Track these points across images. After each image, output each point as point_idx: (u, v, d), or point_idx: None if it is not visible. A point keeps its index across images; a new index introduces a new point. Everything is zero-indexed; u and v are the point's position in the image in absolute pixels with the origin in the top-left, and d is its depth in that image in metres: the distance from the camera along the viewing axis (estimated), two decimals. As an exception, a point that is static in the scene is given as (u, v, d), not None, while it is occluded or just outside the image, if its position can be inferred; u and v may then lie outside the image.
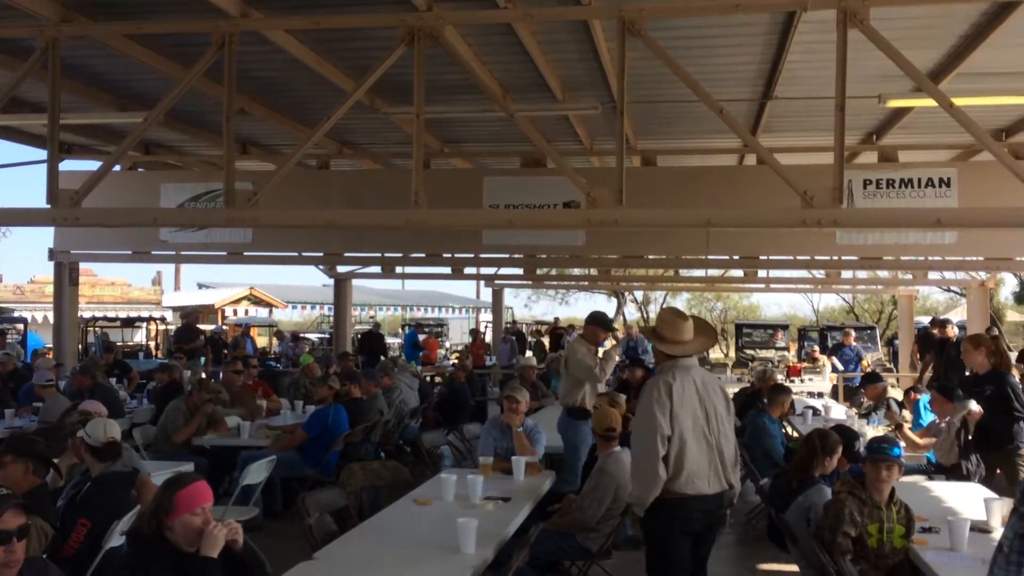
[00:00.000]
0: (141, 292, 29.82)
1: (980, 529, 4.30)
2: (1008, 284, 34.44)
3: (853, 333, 17.38)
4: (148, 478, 4.49)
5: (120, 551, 3.89)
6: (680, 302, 47.01)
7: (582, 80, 8.58)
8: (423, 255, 14.99)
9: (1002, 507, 4.48)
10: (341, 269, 17.64)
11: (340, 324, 18.08)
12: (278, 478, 7.11)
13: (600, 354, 7.32)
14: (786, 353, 25.33)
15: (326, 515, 4.33)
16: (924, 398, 8.32)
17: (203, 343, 15.31)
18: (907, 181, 10.36)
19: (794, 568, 5.18)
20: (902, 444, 7.05)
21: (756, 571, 6.43)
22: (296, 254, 14.99)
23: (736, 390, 11.62)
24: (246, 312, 29.08)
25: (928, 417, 7.98)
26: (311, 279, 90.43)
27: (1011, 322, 32.76)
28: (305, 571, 3.66)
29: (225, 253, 13.98)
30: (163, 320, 25.65)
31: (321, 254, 15.13)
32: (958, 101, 6.13)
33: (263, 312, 30.60)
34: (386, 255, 15.39)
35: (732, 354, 31.36)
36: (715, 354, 34.79)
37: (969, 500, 5.06)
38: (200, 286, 32.47)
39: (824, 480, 4.76)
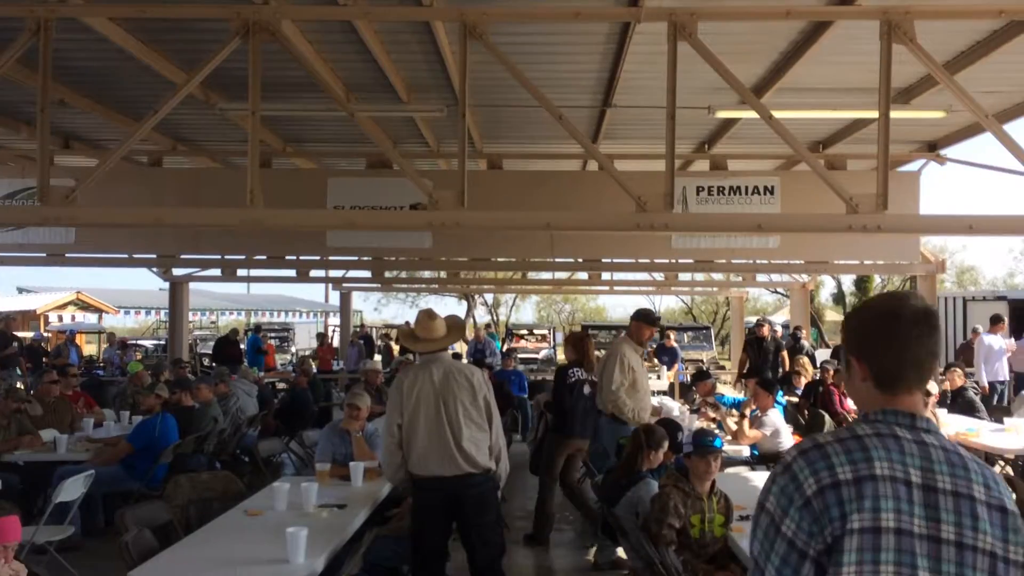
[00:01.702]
0: (-48, 297, 27.37)
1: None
2: (828, 286, 37.14)
3: (672, 335, 18.05)
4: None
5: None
6: (529, 304, 48.00)
7: (427, 82, 8.56)
8: (265, 257, 14.50)
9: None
10: (177, 272, 16.83)
11: (175, 329, 17.22)
12: (99, 494, 6.68)
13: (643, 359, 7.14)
14: (629, 353, 26.16)
15: (145, 531, 4.08)
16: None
17: (17, 351, 14.18)
18: (735, 188, 10.94)
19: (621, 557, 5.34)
20: (726, 436, 7.46)
21: (592, 563, 6.59)
22: (127, 255, 14.16)
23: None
24: (72, 318, 27.25)
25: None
26: (147, 283, 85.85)
27: (830, 321, 35.24)
28: (120, 591, 3.44)
29: (44, 255, 13.03)
30: (-24, 327, 23.58)
31: (154, 256, 14.36)
32: (777, 113, 6.53)
33: (92, 318, 28.76)
34: (226, 257, 14.78)
35: (579, 355, 32.13)
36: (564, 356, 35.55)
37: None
38: (20, 290, 30.16)
39: (651, 474, 4.94)
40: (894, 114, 6.41)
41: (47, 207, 5.99)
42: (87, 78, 8.48)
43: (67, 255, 12.84)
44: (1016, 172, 7.31)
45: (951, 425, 8.08)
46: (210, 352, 28.45)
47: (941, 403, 9.41)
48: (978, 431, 7.94)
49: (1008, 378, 12.86)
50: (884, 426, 1.75)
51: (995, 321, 13.05)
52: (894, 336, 1.80)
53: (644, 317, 7.19)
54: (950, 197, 67.50)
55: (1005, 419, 8.39)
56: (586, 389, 7.10)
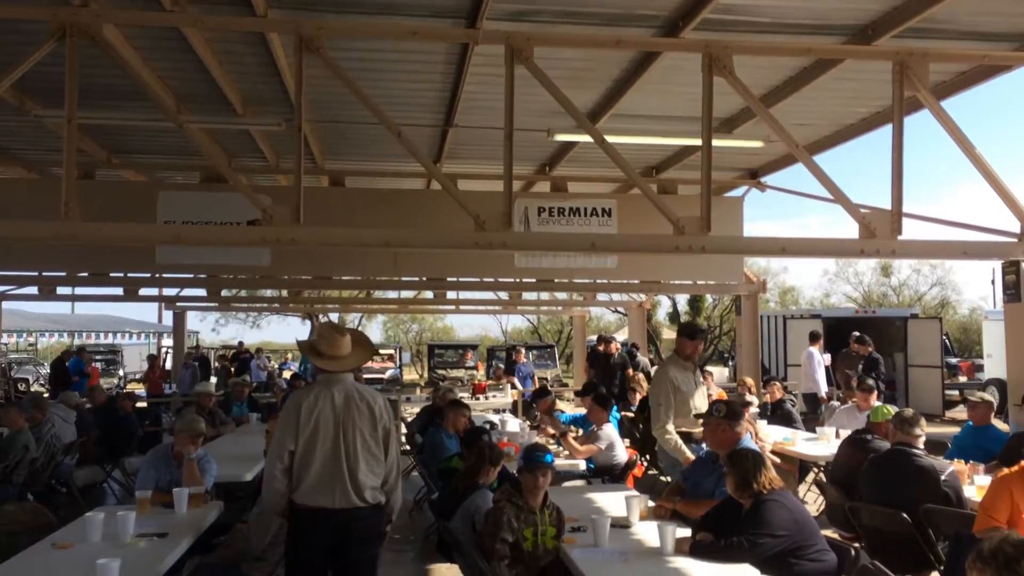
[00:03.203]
0: None
1: (620, 525, 4.73)
2: (664, 305, 38.88)
3: (524, 351, 18.46)
4: None
5: None
6: (376, 324, 47.44)
7: (264, 95, 8.36)
8: (87, 275, 13.60)
9: (640, 503, 4.98)
10: (-13, 290, 15.55)
11: (-15, 353, 15.87)
12: None
13: (695, 376, 6.52)
14: (475, 372, 26.38)
15: (-66, 571, 3.73)
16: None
17: None
18: (575, 210, 11.27)
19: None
20: (563, 451, 7.63)
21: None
22: (-74, 273, 12.95)
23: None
24: None
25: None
26: (-43, 302, 78.47)
27: (667, 339, 36.78)
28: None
29: None
30: None
31: (-42, 272, 13.21)
32: (611, 138, 6.79)
33: None
34: (44, 274, 13.77)
35: (426, 374, 32.08)
36: (410, 375, 35.39)
37: (616, 499, 5.54)
38: None
39: (487, 487, 4.99)
40: (716, 142, 6.82)
41: None
42: None
43: None
44: (826, 200, 7.93)
45: (770, 436, 8.58)
46: (26, 377, 26.52)
47: (761, 415, 10.01)
48: (794, 440, 8.48)
49: (827, 390, 13.78)
50: None
51: (814, 338, 13.99)
52: None
53: (683, 331, 6.79)
54: (794, 225, 71.72)
55: (817, 428, 9.01)
56: None
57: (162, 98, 7.50)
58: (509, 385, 15.77)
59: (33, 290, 15.68)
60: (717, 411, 5.22)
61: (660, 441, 6.29)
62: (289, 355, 31.85)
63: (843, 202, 6.65)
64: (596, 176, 12.00)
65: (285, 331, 58.21)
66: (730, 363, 30.19)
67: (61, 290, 16.33)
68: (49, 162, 10.96)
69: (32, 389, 23.19)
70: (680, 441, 6.14)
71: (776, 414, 10.19)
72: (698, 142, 6.74)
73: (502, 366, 22.18)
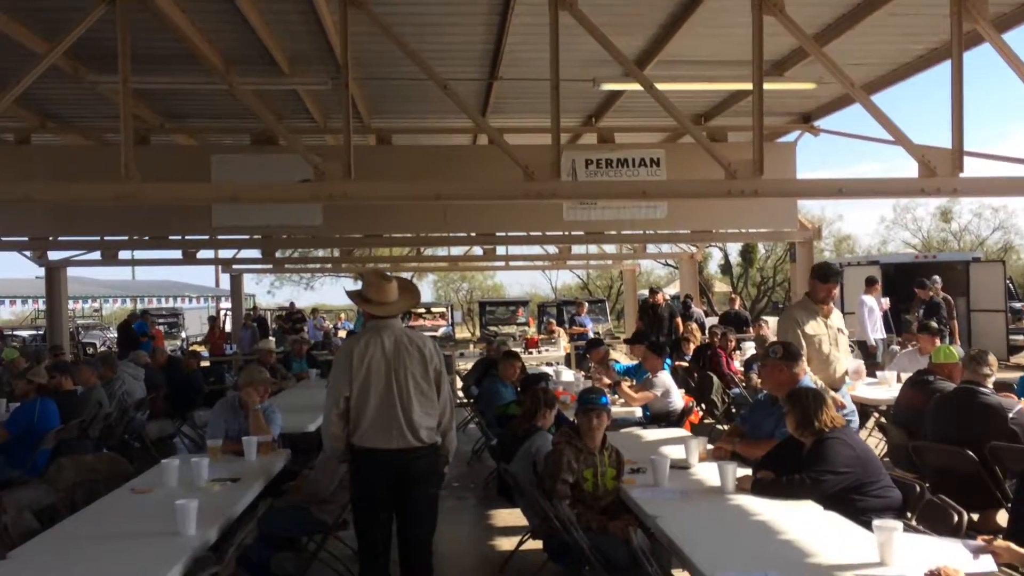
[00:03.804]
0: None
1: (679, 466, 4.78)
2: (715, 258, 38.46)
3: (586, 304, 18.75)
4: None
5: None
6: (427, 283, 47.87)
7: (309, 54, 8.39)
8: (147, 238, 13.96)
9: (699, 445, 5.01)
10: (53, 256, 16.03)
11: (53, 317, 16.42)
12: (-25, 485, 6.35)
13: (828, 320, 5.82)
14: (527, 328, 26.51)
15: (26, 512, 3.93)
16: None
17: None
18: (623, 161, 11.18)
19: (525, 521, 5.46)
20: (618, 399, 7.69)
21: (491, 528, 6.71)
22: (-5, 239, 13.41)
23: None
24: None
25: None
26: (24, 270, 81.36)
27: (719, 292, 36.46)
28: (-1, 574, 3.31)
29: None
30: None
31: (26, 238, 13.63)
32: (660, 86, 6.70)
33: (-38, 309, 27.13)
34: (106, 238, 14.17)
35: (478, 332, 32.35)
36: (462, 333, 35.72)
37: (675, 443, 5.59)
38: None
39: (545, 430, 5.10)
40: (768, 86, 6.68)
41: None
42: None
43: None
44: (884, 141, 7.74)
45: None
46: (93, 342, 27.41)
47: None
48: (854, 385, 8.40)
49: (884, 336, 13.57)
50: None
51: (870, 283, 13.74)
52: None
53: (816, 272, 6.06)
54: (848, 173, 70.16)
55: (877, 373, 8.91)
56: None
57: (211, 60, 7.60)
58: (566, 337, 15.92)
59: (96, 255, 16.14)
60: (774, 352, 5.18)
61: None
62: (343, 315, 32.34)
63: (902, 141, 6.49)
64: (643, 126, 11.85)
65: (338, 292, 58.79)
66: (784, 313, 29.73)
67: (122, 255, 16.82)
68: (105, 128, 11.21)
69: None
70: (821, 382, 5.46)
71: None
72: (748, 86, 6.61)
73: (553, 320, 22.31)
